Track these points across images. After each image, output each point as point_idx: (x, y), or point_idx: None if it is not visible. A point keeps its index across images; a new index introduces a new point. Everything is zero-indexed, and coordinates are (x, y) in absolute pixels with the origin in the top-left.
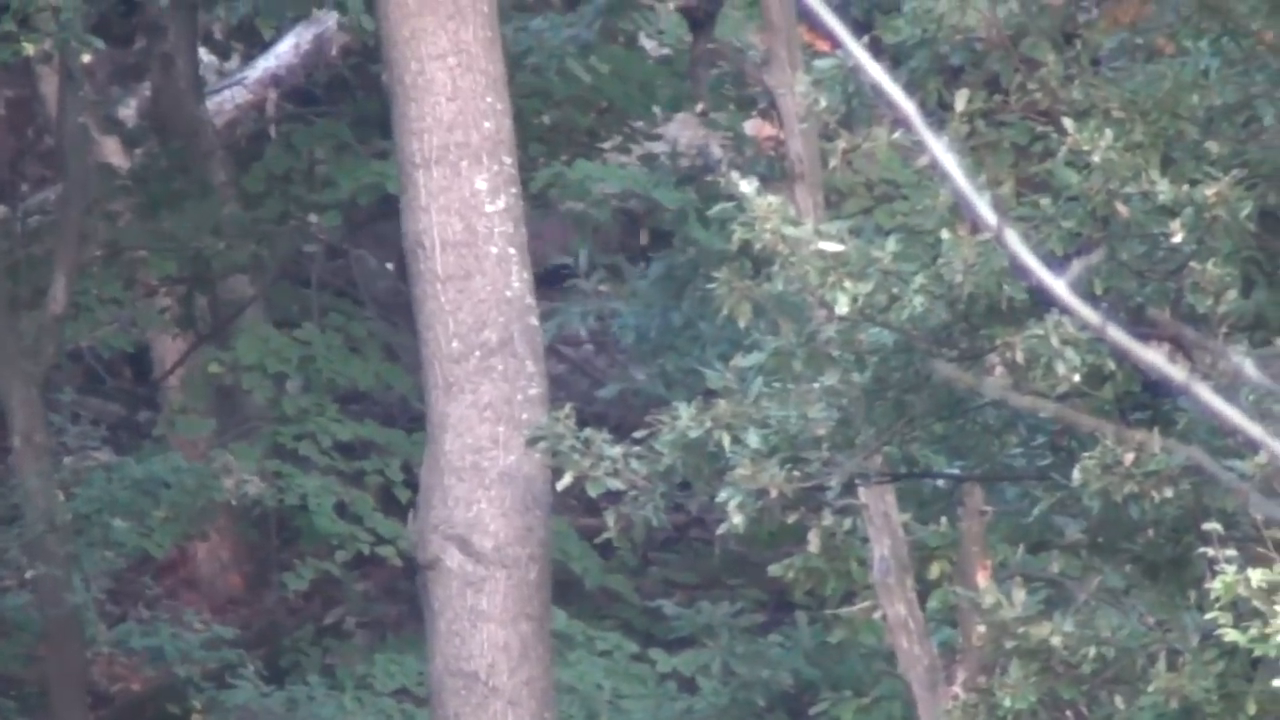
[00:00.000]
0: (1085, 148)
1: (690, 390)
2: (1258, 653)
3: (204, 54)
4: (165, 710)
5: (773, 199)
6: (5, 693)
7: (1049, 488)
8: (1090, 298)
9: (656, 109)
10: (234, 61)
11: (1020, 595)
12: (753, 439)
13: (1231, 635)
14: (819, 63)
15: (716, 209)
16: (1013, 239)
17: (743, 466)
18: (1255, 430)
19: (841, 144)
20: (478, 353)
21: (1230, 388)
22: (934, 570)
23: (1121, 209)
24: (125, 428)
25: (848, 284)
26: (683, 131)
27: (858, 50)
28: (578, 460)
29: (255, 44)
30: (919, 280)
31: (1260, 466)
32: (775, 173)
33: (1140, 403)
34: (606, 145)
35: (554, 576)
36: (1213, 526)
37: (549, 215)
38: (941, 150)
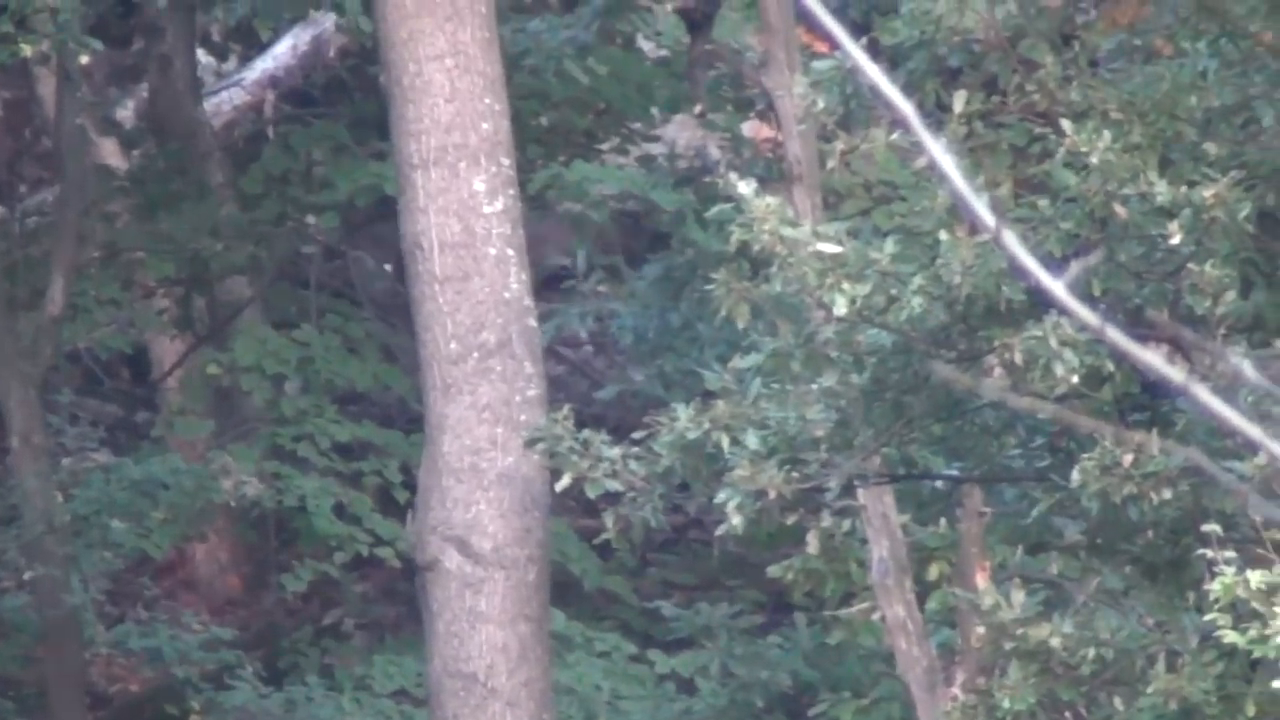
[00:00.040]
0: (1083, 149)
1: (689, 391)
2: (1257, 654)
3: (202, 55)
4: (164, 711)
5: (771, 200)
6: (4, 693)
7: (1048, 489)
8: (1089, 299)
9: (654, 110)
10: (232, 63)
11: (1019, 596)
12: (751, 440)
13: (1231, 637)
14: (817, 64)
15: (714, 210)
16: (1011, 240)
17: (741, 468)
18: (1254, 431)
19: (839, 145)
20: (476, 354)
21: (1229, 389)
22: (933, 571)
23: (1120, 210)
24: (123, 429)
25: (846, 285)
26: (681, 133)
27: (856, 52)
28: (576, 461)
29: (253, 45)
30: (917, 281)
31: (1259, 468)
32: (773, 174)
33: (1139, 404)
34: (604, 146)
35: (553, 578)
36: (1212, 528)
37: (548, 217)
38: (939, 151)
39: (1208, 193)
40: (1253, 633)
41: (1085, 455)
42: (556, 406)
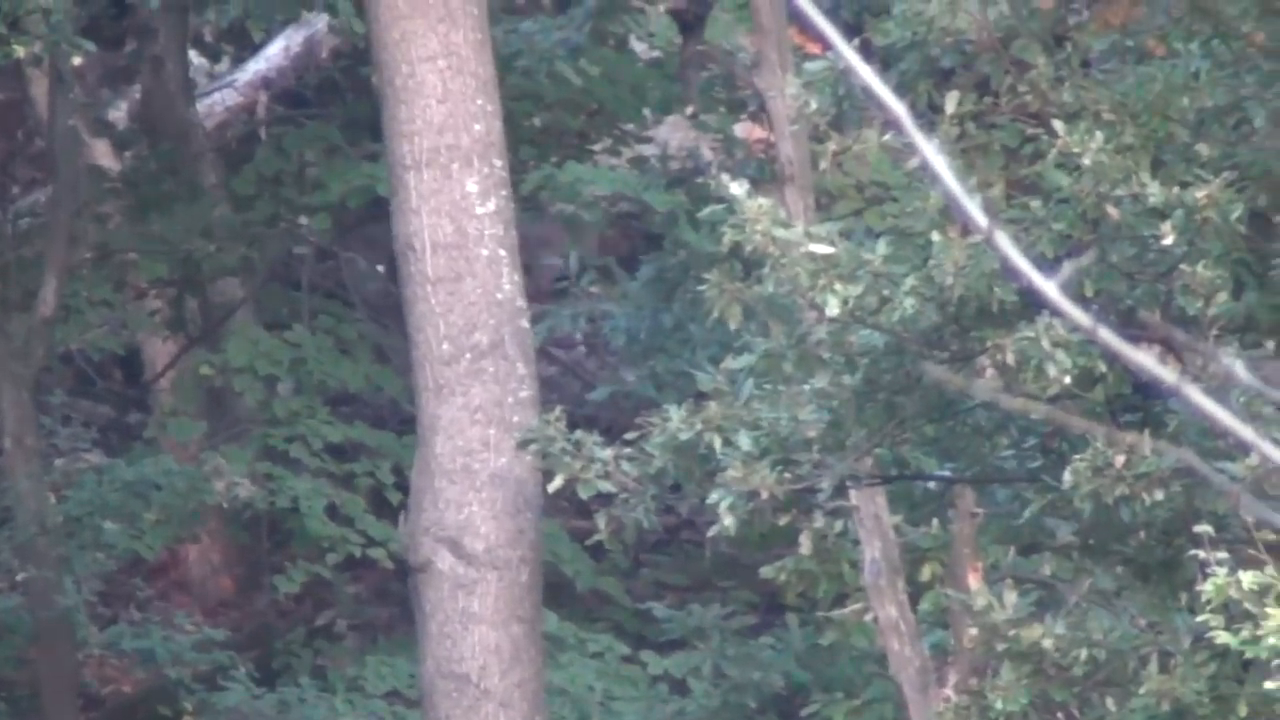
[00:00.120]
0: (1076, 150)
1: (681, 392)
2: (1249, 655)
3: (194, 56)
4: (156, 712)
5: (763, 201)
6: None
7: (1040, 490)
8: (1081, 300)
9: (647, 111)
10: (224, 64)
11: (1012, 597)
12: (744, 441)
13: (1223, 637)
14: (809, 65)
15: (707, 211)
16: (1003, 241)
17: (734, 468)
18: (1246, 432)
19: (832, 146)
20: (468, 355)
21: (1221, 390)
22: (925, 572)
23: (1112, 211)
24: (116, 430)
25: (838, 286)
26: (673, 134)
27: (848, 53)
28: (569, 462)
29: (245, 46)
30: (909, 282)
31: (1251, 468)
32: (765, 175)
33: (1131, 405)
34: (597, 148)
35: (545, 579)
36: (1204, 529)
37: (541, 218)
38: (932, 152)
39: (1200, 194)
40: (1245, 633)
41: (1077, 456)
42: (549, 407)
